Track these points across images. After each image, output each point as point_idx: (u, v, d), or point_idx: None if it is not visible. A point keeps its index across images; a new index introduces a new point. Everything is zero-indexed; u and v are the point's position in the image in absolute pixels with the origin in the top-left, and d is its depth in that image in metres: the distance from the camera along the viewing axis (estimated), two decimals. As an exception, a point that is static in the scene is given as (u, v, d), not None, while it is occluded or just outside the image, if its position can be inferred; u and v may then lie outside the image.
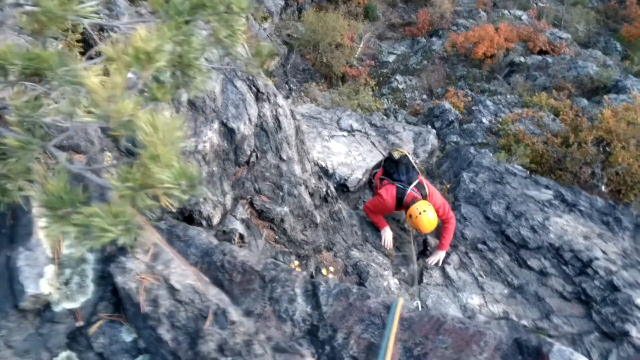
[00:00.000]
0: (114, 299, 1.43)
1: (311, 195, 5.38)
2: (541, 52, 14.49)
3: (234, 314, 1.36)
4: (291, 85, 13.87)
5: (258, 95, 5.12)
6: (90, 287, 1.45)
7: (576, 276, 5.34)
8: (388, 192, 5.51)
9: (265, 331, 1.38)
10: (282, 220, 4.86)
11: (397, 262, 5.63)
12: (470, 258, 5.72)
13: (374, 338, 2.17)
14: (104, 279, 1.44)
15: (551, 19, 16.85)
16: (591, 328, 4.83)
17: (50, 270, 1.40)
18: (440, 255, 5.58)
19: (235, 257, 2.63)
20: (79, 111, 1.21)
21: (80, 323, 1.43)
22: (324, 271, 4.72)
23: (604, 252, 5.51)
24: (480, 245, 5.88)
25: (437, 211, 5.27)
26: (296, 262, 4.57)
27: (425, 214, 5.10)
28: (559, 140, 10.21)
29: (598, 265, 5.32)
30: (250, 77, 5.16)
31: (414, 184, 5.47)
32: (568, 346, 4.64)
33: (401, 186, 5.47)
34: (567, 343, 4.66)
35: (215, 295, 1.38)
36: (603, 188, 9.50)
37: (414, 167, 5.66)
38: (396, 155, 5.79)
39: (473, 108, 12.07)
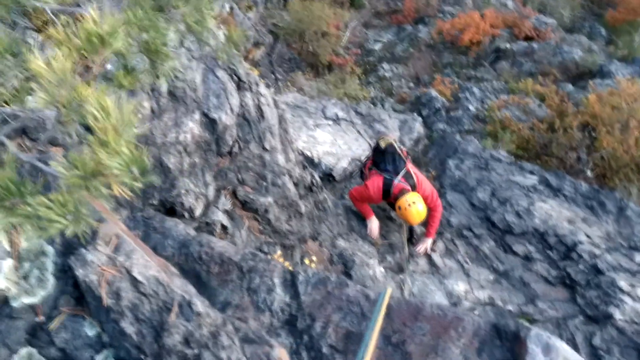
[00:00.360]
0: (76, 293, 1.39)
1: (295, 184, 5.34)
2: (527, 38, 14.45)
3: (200, 305, 1.33)
4: (277, 75, 13.78)
5: (240, 85, 5.06)
6: (51, 281, 1.41)
7: (561, 260, 5.36)
8: (374, 184, 5.44)
9: (233, 322, 1.35)
10: (266, 211, 4.82)
11: (383, 250, 5.62)
12: (455, 245, 5.73)
13: (352, 326, 2.15)
14: (65, 273, 1.40)
15: (536, 5, 16.82)
16: (575, 312, 4.85)
17: (7, 264, 1.36)
18: (427, 243, 5.54)
19: (212, 248, 2.60)
20: (31, 98, 1.16)
21: (41, 318, 1.39)
22: (306, 261, 4.69)
23: (588, 236, 5.53)
24: (465, 232, 5.89)
25: (425, 199, 5.24)
26: (279, 252, 4.53)
27: (415, 206, 5.06)
28: (545, 125, 10.23)
29: (582, 249, 5.34)
30: (232, 67, 5.09)
31: (402, 174, 5.37)
32: (553, 330, 4.68)
33: (388, 177, 5.38)
34: (552, 327, 4.68)
35: (180, 287, 1.35)
36: (589, 173, 9.53)
37: (400, 156, 5.56)
38: (382, 144, 5.72)
39: (460, 95, 12.05)
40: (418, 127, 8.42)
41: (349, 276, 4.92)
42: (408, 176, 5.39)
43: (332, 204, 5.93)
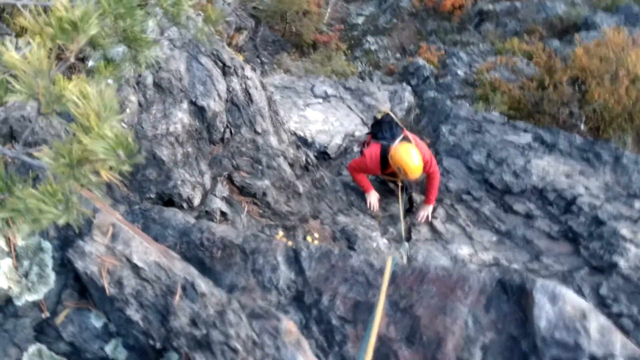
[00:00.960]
0: (78, 286, 1.39)
1: (291, 165, 5.33)
2: (509, -2, 14.37)
3: (203, 285, 1.33)
4: (263, 59, 13.68)
5: (225, 70, 5.02)
6: (52, 277, 1.41)
7: (562, 215, 5.38)
8: (372, 152, 5.40)
9: (239, 300, 1.35)
10: (264, 194, 4.82)
11: (385, 222, 5.63)
12: (456, 210, 5.74)
13: (359, 296, 2.16)
14: (65, 267, 1.40)
15: (516, -37, 16.67)
16: (581, 264, 4.88)
17: (6, 263, 1.35)
18: (427, 210, 5.49)
19: (213, 233, 2.60)
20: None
21: (46, 314, 1.39)
22: (308, 238, 4.70)
23: (586, 188, 5.54)
24: (464, 196, 5.89)
25: (424, 164, 5.17)
26: (280, 234, 4.54)
27: (408, 145, 5.04)
28: (535, 84, 10.20)
29: (582, 201, 5.35)
30: (215, 52, 5.04)
31: (399, 138, 5.30)
32: (560, 284, 4.71)
33: (385, 143, 5.32)
34: (558, 281, 4.71)
35: (182, 270, 1.35)
36: (582, 127, 9.53)
37: (397, 124, 5.53)
38: (379, 115, 5.70)
39: (447, 61, 12.01)
40: (408, 96, 8.39)
41: (352, 250, 4.93)
42: (405, 140, 5.31)
43: (330, 181, 5.92)
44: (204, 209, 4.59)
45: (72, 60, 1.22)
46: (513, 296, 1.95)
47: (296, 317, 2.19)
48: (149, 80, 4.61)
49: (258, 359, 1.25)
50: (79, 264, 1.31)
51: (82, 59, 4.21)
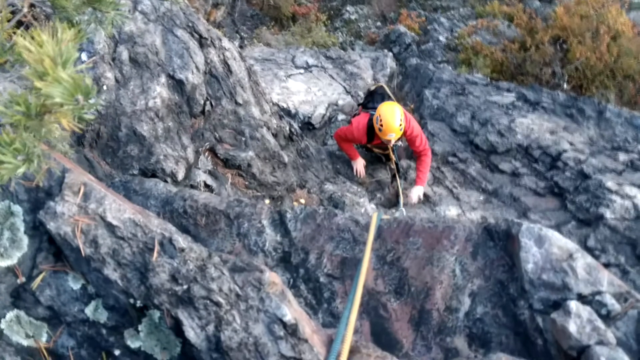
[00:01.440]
0: (53, 249, 1.35)
1: (275, 135, 5.27)
2: (488, -40, 14.21)
3: (182, 240, 1.29)
4: (242, 34, 13.48)
5: (202, 42, 4.91)
6: (25, 241, 1.37)
7: (547, 171, 5.40)
8: (359, 121, 5.31)
9: (220, 255, 1.32)
10: (249, 165, 4.77)
11: (372, 188, 5.62)
12: (442, 172, 5.74)
13: (346, 252, 2.14)
14: (37, 229, 1.35)
15: None
16: (568, 218, 4.91)
17: (-25, 230, 1.31)
18: (419, 191, 5.27)
19: (196, 200, 2.57)
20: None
21: (22, 279, 1.35)
22: (294, 203, 4.68)
23: (571, 143, 5.56)
24: (450, 158, 5.89)
25: (413, 141, 5.09)
26: (267, 202, 4.51)
27: (394, 105, 4.92)
28: (517, 45, 10.17)
29: (567, 157, 5.37)
30: (191, 24, 4.93)
31: None
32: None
33: (373, 112, 5.17)
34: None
35: (158, 225, 1.31)
36: (565, 86, 9.55)
37: (390, 95, 5.43)
38: (373, 87, 5.66)
39: (428, 28, 11.91)
40: (390, 63, 8.31)
41: (341, 218, 4.92)
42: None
43: (315, 151, 5.88)
44: (189, 182, 4.54)
45: (25, 10, 1.16)
46: (499, 242, 1.94)
47: (284, 277, 2.18)
48: (125, 55, 4.51)
49: (242, 311, 1.23)
50: (52, 226, 1.27)
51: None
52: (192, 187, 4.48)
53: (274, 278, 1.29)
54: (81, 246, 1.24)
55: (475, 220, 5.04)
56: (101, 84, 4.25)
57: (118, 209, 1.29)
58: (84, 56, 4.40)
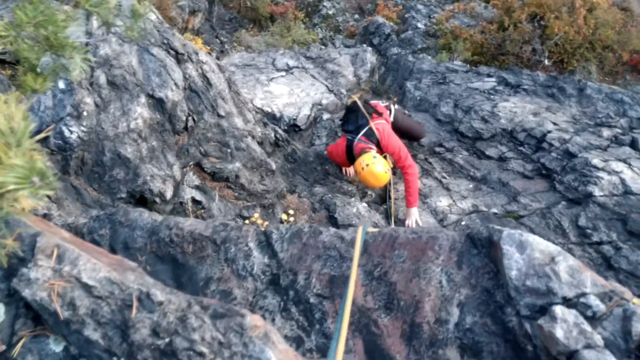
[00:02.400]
0: (31, 313, 1.34)
1: (260, 144, 5.27)
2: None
3: (159, 294, 1.29)
4: (221, 38, 13.42)
5: (178, 57, 4.89)
6: (1, 309, 1.36)
7: (534, 153, 5.42)
8: (339, 146, 5.33)
9: (200, 301, 1.32)
10: (237, 177, 4.77)
11: (363, 186, 5.61)
12: (430, 163, 5.75)
13: (334, 270, 2.15)
14: (12, 296, 1.35)
15: None
16: (557, 199, 4.94)
17: (-49, 302, 1.31)
18: (414, 215, 4.97)
19: (182, 228, 2.56)
20: None
21: (2, 347, 1.35)
22: (283, 216, 4.68)
23: (554, 123, 5.57)
24: (437, 149, 5.90)
25: (392, 154, 5.00)
26: (256, 215, 4.51)
27: (370, 167, 4.70)
28: (495, 26, 10.17)
29: (552, 137, 5.39)
30: (166, 41, 4.91)
31: (363, 132, 5.06)
32: (539, 222, 4.77)
33: (350, 137, 5.13)
34: (538, 219, 4.77)
35: (134, 281, 1.31)
36: (546, 62, 9.57)
37: (363, 114, 5.21)
38: (349, 103, 5.54)
39: (406, 16, 11.90)
40: (370, 58, 8.29)
41: (333, 219, 4.94)
42: (370, 133, 5.04)
43: (302, 154, 5.89)
44: (178, 200, 4.54)
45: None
46: (483, 249, 1.95)
47: (274, 301, 2.18)
48: (102, 79, 4.50)
49: (226, 358, 1.23)
50: (27, 292, 1.27)
51: (12, 76, 4.10)
52: (181, 204, 4.48)
53: (255, 321, 1.29)
54: (58, 310, 1.24)
55: (466, 210, 5.07)
56: (81, 110, 4.23)
57: (93, 269, 1.29)
58: (61, 84, 4.38)
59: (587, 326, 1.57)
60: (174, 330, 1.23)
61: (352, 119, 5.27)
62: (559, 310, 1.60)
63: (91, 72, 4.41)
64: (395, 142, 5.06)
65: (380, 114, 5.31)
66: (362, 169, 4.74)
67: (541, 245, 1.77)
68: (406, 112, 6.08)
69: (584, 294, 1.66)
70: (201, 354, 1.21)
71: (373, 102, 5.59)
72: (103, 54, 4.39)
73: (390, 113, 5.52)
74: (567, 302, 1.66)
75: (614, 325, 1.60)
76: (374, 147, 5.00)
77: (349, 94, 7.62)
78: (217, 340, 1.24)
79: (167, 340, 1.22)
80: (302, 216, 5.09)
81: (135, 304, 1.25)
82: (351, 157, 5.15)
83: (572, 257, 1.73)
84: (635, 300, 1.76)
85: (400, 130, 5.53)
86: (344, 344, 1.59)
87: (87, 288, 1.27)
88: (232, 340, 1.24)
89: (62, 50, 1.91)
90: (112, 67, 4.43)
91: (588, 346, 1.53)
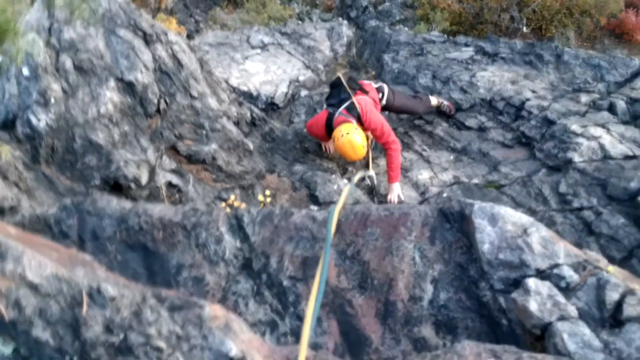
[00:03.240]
0: (-24, 317, 1.28)
1: (236, 124, 5.17)
2: None
3: (111, 288, 1.23)
4: (196, 17, 13.15)
5: (147, 39, 4.75)
6: (-55, 312, 1.29)
7: (513, 122, 5.39)
8: (319, 118, 5.21)
9: (157, 294, 1.26)
10: (213, 158, 4.69)
11: (343, 162, 5.56)
12: (410, 136, 5.70)
13: (306, 252, 2.10)
14: (-45, 300, 1.28)
15: None
16: (538, 166, 4.92)
17: None
18: (396, 189, 4.93)
19: (151, 215, 2.50)
20: None
21: (-53, 352, 1.29)
22: (260, 197, 4.62)
23: (533, 91, 5.53)
24: (416, 121, 5.85)
25: (374, 133, 4.93)
26: (232, 197, 4.44)
27: (348, 137, 4.66)
28: (473, -6, 10.06)
29: (530, 105, 5.36)
30: (133, 22, 4.75)
31: (344, 106, 4.99)
32: (520, 190, 4.76)
33: (331, 110, 5.06)
34: (519, 188, 4.75)
35: (84, 276, 1.25)
36: (524, 29, 9.51)
37: (345, 88, 5.14)
38: (334, 78, 5.44)
39: (383, -14, 11.71)
40: (346, 31, 8.15)
41: (314, 197, 4.89)
42: (351, 107, 4.97)
43: (281, 132, 5.80)
44: (155, 185, 4.45)
45: None
46: (455, 223, 1.91)
47: (247, 285, 2.13)
48: (69, 64, 4.36)
49: (185, 352, 1.18)
50: (-33, 295, 1.21)
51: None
52: (158, 188, 4.40)
53: (215, 311, 1.24)
54: (3, 311, 1.18)
55: (448, 182, 5.04)
56: (48, 97, 4.11)
57: (39, 266, 1.22)
58: (25, 71, 4.23)
59: (561, 297, 1.54)
60: (129, 326, 1.18)
61: (335, 93, 5.22)
62: (532, 283, 1.56)
63: (56, 57, 4.27)
64: (377, 118, 4.96)
65: (366, 92, 5.23)
66: (342, 136, 4.69)
67: (513, 217, 1.73)
68: (400, 89, 5.94)
69: (557, 265, 1.63)
70: (158, 349, 1.16)
71: (365, 82, 5.49)
72: (68, 38, 4.25)
73: (382, 95, 5.39)
74: (541, 274, 1.62)
75: (588, 295, 1.57)
76: (354, 121, 4.91)
77: (327, 69, 7.52)
78: (174, 334, 1.18)
79: (121, 336, 1.17)
80: (283, 195, 5.03)
81: (85, 300, 1.19)
82: (330, 131, 5.05)
83: (545, 227, 1.70)
84: (610, 267, 1.74)
85: (395, 110, 5.57)
86: (312, 328, 1.55)
87: (32, 286, 1.20)
88: (191, 333, 1.19)
89: (4, 36, 1.81)
90: (78, 51, 4.29)
91: (562, 318, 1.50)
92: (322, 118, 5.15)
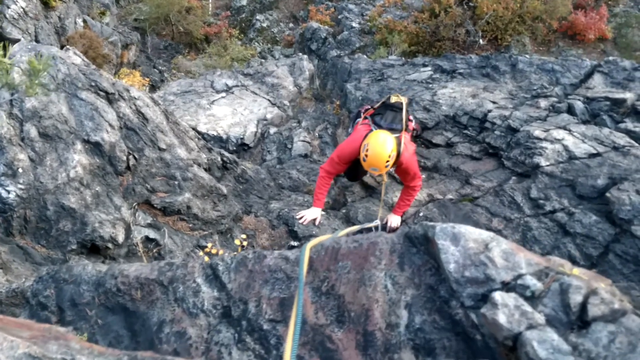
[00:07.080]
0: (-51, 405, 1.28)
1: (208, 170, 5.21)
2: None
3: (85, 359, 1.25)
4: (159, 67, 13.28)
5: (109, 98, 4.80)
6: None
7: (478, 134, 5.50)
8: (360, 133, 4.73)
9: (131, 356, 1.28)
10: (188, 207, 4.70)
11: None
12: (381, 161, 5.77)
13: (282, 293, 2.12)
14: None
15: None
16: (507, 175, 5.02)
17: None
18: (396, 221, 4.87)
19: (127, 275, 2.50)
20: None
21: None
22: (236, 241, 4.63)
23: (493, 102, 5.68)
24: (385, 145, 5.93)
25: (404, 175, 4.70)
26: (209, 245, 4.45)
27: (385, 137, 4.36)
28: (427, 14, 10.35)
29: (493, 116, 5.49)
30: (94, 83, 4.80)
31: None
32: (494, 200, 4.84)
33: (375, 128, 4.73)
34: (492, 198, 4.84)
35: (57, 351, 1.26)
36: (481, 41, 9.77)
37: (402, 119, 4.82)
38: (393, 99, 5.04)
39: (339, 17, 12.01)
40: (307, 65, 8.30)
41: (294, 233, 4.91)
42: (397, 142, 4.50)
43: (253, 172, 5.84)
44: (132, 242, 4.45)
45: None
46: (421, 247, 1.95)
47: (228, 334, 2.14)
48: (33, 132, 4.38)
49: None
50: (-61, 384, 1.21)
51: None
52: (136, 245, 4.38)
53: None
54: (-22, 396, 1.18)
55: (423, 200, 5.11)
56: (15, 168, 4.10)
57: (10, 347, 1.23)
58: (-9, 143, 4.23)
59: (527, 307, 1.58)
60: (104, 395, 1.19)
61: (389, 117, 4.87)
62: (498, 296, 1.61)
63: (20, 127, 4.28)
64: (414, 163, 4.72)
65: (410, 131, 5.04)
66: (379, 135, 4.40)
67: (474, 234, 1.78)
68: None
69: (520, 276, 1.68)
70: (135, 414, 1.17)
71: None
72: (30, 106, 4.27)
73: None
74: (506, 286, 1.67)
75: (553, 300, 1.61)
76: None
77: (292, 104, 7.61)
78: (150, 396, 1.20)
79: (98, 406, 1.18)
80: (262, 235, 5.05)
81: (58, 375, 1.20)
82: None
83: (505, 240, 1.75)
84: (575, 270, 1.79)
85: None
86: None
87: (4, 369, 1.21)
88: (166, 393, 1.20)
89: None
90: (42, 118, 4.31)
91: (530, 326, 1.54)
92: (362, 135, 4.68)
